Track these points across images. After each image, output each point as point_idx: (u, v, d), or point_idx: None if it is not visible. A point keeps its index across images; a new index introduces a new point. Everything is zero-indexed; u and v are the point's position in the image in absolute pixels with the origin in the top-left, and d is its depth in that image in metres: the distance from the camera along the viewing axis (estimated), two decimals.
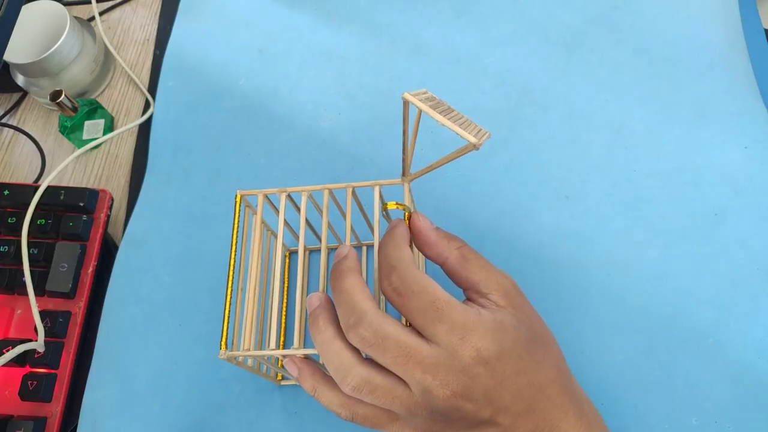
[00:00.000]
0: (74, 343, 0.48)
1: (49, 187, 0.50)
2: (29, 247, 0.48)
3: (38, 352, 0.47)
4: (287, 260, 0.49)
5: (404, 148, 0.35)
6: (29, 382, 0.46)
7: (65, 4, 0.62)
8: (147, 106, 0.59)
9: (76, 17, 0.60)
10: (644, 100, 0.51)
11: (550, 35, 0.55)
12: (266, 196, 0.38)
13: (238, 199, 0.38)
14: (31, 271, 0.47)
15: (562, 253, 0.46)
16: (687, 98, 0.50)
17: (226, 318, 0.36)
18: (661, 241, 0.45)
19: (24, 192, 0.51)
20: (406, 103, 0.32)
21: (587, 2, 0.56)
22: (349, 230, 0.36)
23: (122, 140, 0.59)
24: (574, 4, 0.56)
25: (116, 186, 0.57)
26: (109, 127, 0.58)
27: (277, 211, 0.38)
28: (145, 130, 0.58)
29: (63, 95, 0.53)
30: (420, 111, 0.31)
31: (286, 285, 0.49)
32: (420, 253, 0.37)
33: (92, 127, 0.57)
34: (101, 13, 0.65)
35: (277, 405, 0.44)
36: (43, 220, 0.50)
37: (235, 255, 0.37)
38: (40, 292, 0.49)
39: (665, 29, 0.53)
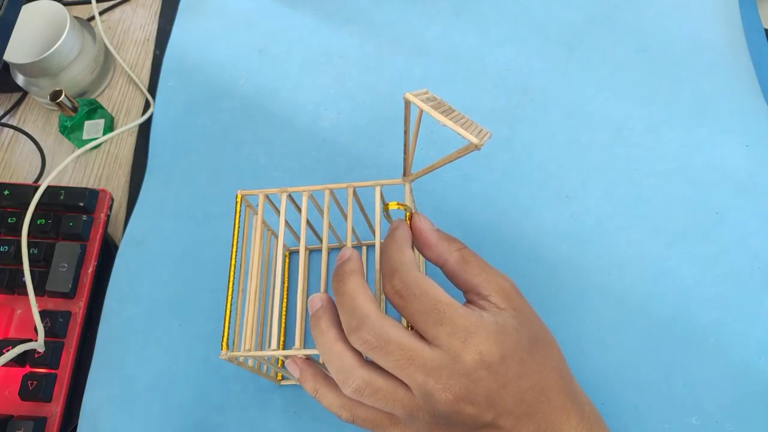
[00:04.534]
0: (74, 343, 0.48)
1: (49, 187, 0.50)
2: (29, 247, 0.48)
3: (38, 352, 0.47)
4: (288, 260, 0.49)
5: (405, 148, 0.35)
6: (29, 382, 0.46)
7: (65, 4, 0.61)
8: (147, 106, 0.59)
9: (76, 17, 0.60)
10: (645, 98, 0.50)
11: (551, 34, 0.55)
12: (267, 196, 0.38)
13: (238, 199, 0.38)
14: (31, 271, 0.47)
15: (562, 253, 0.46)
16: (687, 97, 0.50)
17: (227, 318, 0.36)
18: (662, 240, 0.45)
19: (24, 192, 0.51)
20: (407, 103, 0.32)
21: (587, 1, 0.55)
22: (350, 230, 0.36)
23: (122, 140, 0.59)
24: (575, 3, 0.56)
25: (116, 186, 0.56)
26: (109, 127, 0.58)
27: (277, 211, 0.38)
28: (145, 130, 0.58)
29: (63, 95, 0.53)
30: (421, 111, 0.31)
31: (286, 285, 0.49)
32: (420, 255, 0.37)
33: (92, 127, 0.57)
34: (101, 13, 0.65)
35: (278, 405, 0.44)
36: (43, 220, 0.50)
37: (235, 255, 0.37)
38: (40, 292, 0.49)
39: (665, 28, 0.53)
